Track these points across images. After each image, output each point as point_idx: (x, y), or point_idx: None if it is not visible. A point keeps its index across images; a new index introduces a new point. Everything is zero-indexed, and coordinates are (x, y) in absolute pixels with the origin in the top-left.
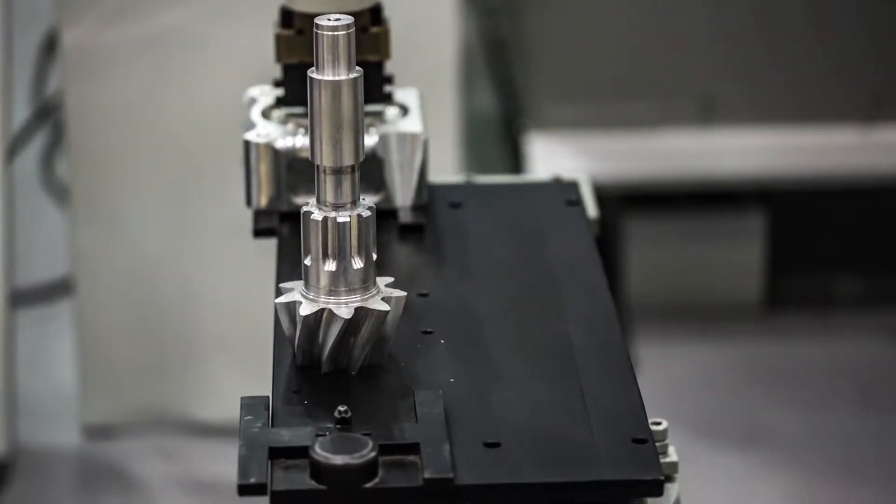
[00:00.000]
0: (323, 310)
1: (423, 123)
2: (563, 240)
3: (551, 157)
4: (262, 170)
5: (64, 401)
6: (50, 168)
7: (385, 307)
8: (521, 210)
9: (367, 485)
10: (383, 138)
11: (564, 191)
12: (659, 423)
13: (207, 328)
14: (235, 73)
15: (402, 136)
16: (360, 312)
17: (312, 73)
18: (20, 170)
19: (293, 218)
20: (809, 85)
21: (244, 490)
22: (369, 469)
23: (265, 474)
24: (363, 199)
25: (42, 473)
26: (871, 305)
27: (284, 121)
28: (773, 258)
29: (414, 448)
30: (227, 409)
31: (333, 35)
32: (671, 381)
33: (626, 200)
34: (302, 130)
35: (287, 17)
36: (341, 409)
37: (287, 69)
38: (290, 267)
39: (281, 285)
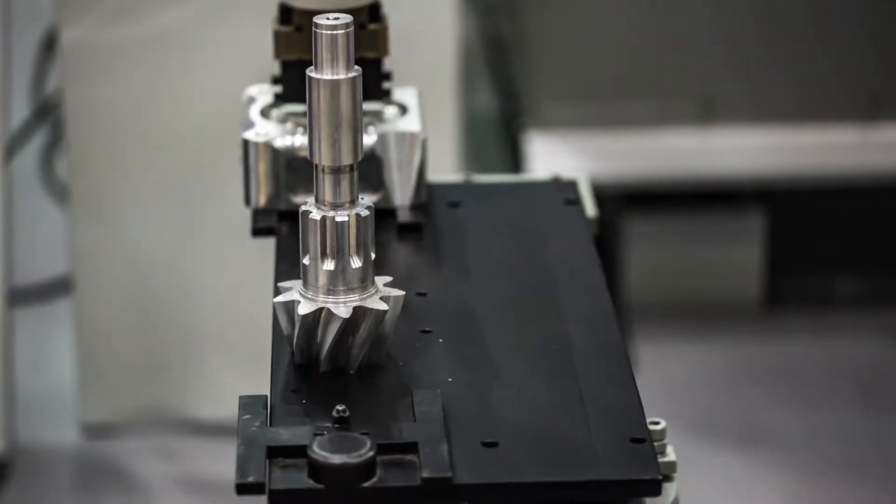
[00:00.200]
0: (321, 309)
1: (421, 123)
2: (562, 239)
3: (550, 157)
4: (261, 169)
5: (63, 399)
6: (49, 167)
7: (383, 306)
8: (520, 209)
9: (366, 484)
10: (382, 137)
11: (563, 190)
12: (657, 423)
13: (206, 327)
14: (234, 72)
15: (401, 136)
16: (359, 312)
17: (311, 73)
18: (19, 168)
19: (292, 217)
20: (809, 84)
21: (242, 489)
22: (367, 468)
23: (263, 473)
24: (362, 198)
25: (41, 472)
26: (871, 305)
27: (283, 120)
28: (773, 258)
29: (412, 447)
30: (226, 408)
31: (332, 34)
32: (670, 381)
33: (625, 200)
34: (301, 129)
35: (286, 14)
36: (339, 408)
37: (285, 65)
38: (288, 266)
39: (279, 284)
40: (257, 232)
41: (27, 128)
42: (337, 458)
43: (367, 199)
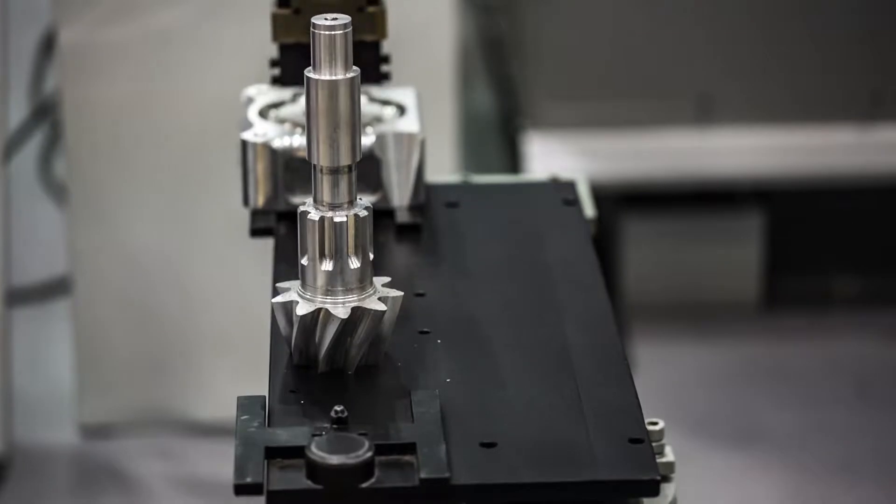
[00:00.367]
0: (320, 309)
1: (420, 123)
2: (561, 240)
3: (549, 157)
4: (259, 169)
5: (61, 400)
6: (47, 167)
7: (382, 307)
8: (518, 210)
9: (364, 485)
10: (380, 138)
11: (562, 190)
12: (655, 423)
13: (204, 327)
14: (233, 72)
15: (399, 136)
16: (357, 312)
17: (309, 73)
18: (18, 169)
19: (290, 218)
20: (807, 85)
21: (240, 490)
22: (366, 469)
23: (261, 474)
24: (360, 198)
25: (39, 473)
26: (869, 305)
27: (282, 120)
28: (771, 258)
29: (410, 448)
30: (224, 409)
31: (330, 35)
32: (668, 381)
33: (623, 200)
34: (299, 130)
35: None
36: (338, 408)
37: (283, 49)
38: (286, 267)
39: (278, 285)
40: (256, 232)
41: (25, 128)
42: (335, 459)
43: (366, 200)
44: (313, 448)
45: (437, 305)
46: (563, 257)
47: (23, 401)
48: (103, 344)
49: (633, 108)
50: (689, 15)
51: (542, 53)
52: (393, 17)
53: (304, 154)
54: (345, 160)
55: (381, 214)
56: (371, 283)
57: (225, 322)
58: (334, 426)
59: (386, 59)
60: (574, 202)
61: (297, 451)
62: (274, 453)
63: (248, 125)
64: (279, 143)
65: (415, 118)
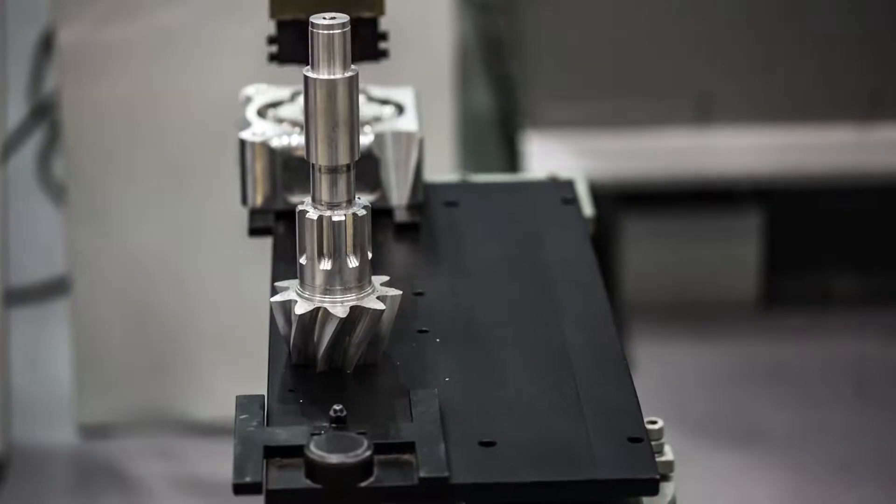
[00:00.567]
0: (318, 309)
1: (418, 122)
2: (560, 239)
3: (547, 156)
4: (258, 169)
5: (60, 400)
6: (46, 167)
7: (380, 306)
8: (517, 209)
9: (363, 484)
10: (379, 137)
11: (560, 189)
12: (655, 422)
13: (203, 327)
14: (232, 72)
15: (398, 135)
16: (356, 311)
17: (307, 72)
18: (17, 169)
19: (289, 217)
20: (806, 84)
21: (239, 489)
22: (365, 468)
23: (260, 473)
24: (359, 197)
25: (38, 473)
26: (868, 304)
27: (280, 119)
28: (770, 257)
29: (409, 447)
30: (223, 408)
31: (329, 34)
32: (667, 380)
33: (622, 199)
34: (297, 129)
35: None
36: (336, 407)
37: (281, 25)
38: (285, 266)
39: (276, 284)
40: (254, 232)
41: (24, 128)
42: (334, 458)
43: (364, 199)
44: (312, 447)
45: (435, 304)
46: (563, 256)
47: (22, 401)
48: (102, 344)
49: (632, 107)
50: (688, 15)
51: (541, 53)
52: (392, 16)
53: (302, 153)
54: (343, 159)
55: (380, 213)
56: (370, 282)
57: (224, 321)
58: (333, 425)
59: (384, 37)
60: (573, 201)
61: (296, 451)
62: (273, 452)
63: (246, 124)
64: (277, 142)
65: (413, 117)
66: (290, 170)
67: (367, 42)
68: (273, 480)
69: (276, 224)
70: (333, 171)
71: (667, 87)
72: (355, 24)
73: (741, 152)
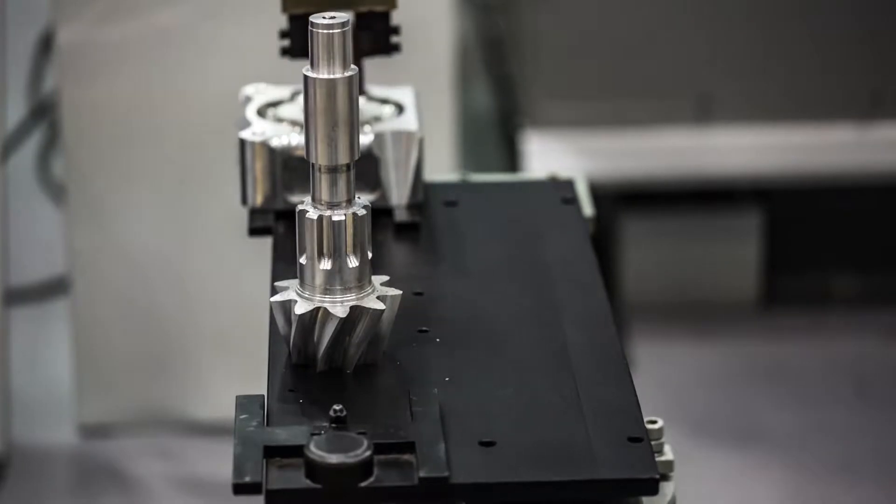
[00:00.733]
0: (318, 308)
1: (418, 122)
2: (559, 238)
3: (547, 156)
4: (258, 168)
5: (60, 400)
6: (46, 166)
7: (380, 306)
8: (517, 208)
9: (363, 484)
10: (379, 136)
11: (560, 189)
12: (655, 422)
13: (203, 327)
14: (232, 72)
15: (398, 135)
16: (356, 311)
17: (307, 72)
18: (16, 168)
19: (289, 216)
20: (806, 83)
21: (239, 489)
22: (364, 468)
23: (260, 473)
24: (358, 197)
25: (38, 473)
26: (868, 304)
27: (280, 119)
28: (770, 256)
29: (409, 447)
30: (223, 408)
31: (329, 33)
32: (667, 380)
33: (622, 199)
34: (297, 129)
35: None
36: (336, 407)
37: (293, 20)
38: (285, 265)
39: (276, 284)
40: (254, 231)
41: (24, 128)
42: (334, 458)
43: (364, 199)
44: (312, 447)
45: (435, 304)
46: (562, 256)
47: (21, 401)
48: (102, 343)
49: (632, 107)
50: (688, 14)
51: (541, 52)
52: (392, 15)
53: (302, 153)
54: (343, 159)
55: (380, 213)
56: (370, 281)
57: (224, 321)
58: (333, 425)
59: (396, 31)
60: (573, 201)
61: (296, 451)
62: (273, 452)
63: (246, 124)
64: (277, 141)
65: (413, 117)
66: (289, 169)
67: (379, 36)
68: (273, 480)
69: (275, 224)
70: (333, 170)
71: (667, 87)
72: (368, 17)
73: (741, 152)
